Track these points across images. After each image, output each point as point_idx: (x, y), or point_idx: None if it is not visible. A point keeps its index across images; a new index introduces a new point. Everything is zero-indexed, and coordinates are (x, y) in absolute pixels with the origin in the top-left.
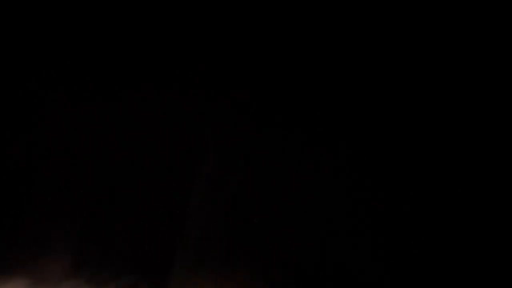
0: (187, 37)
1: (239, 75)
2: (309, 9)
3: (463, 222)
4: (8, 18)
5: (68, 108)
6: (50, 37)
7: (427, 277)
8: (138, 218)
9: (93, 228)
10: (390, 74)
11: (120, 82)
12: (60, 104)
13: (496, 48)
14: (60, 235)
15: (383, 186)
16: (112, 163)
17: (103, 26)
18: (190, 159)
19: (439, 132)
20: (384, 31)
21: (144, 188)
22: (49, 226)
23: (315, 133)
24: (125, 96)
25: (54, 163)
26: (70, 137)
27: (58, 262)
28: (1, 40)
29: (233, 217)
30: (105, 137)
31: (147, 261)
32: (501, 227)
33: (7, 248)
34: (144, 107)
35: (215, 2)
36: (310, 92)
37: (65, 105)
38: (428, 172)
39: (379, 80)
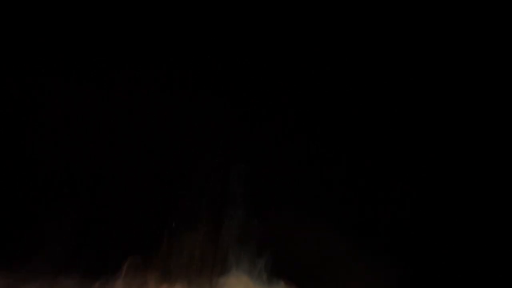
0: (188, 38)
1: (240, 75)
2: (309, 11)
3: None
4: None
5: (68, 107)
6: (52, 38)
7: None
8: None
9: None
10: (389, 76)
11: (121, 82)
12: (61, 104)
13: (496, 48)
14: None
15: (382, 186)
16: (113, 162)
17: (107, 28)
18: (191, 158)
19: (438, 133)
20: (383, 34)
21: (144, 187)
22: (47, 224)
23: (315, 133)
24: (127, 97)
25: (56, 163)
26: (70, 137)
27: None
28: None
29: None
30: (106, 137)
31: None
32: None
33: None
34: (144, 108)
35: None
36: (310, 93)
37: (64, 104)
38: (426, 173)
39: (378, 82)
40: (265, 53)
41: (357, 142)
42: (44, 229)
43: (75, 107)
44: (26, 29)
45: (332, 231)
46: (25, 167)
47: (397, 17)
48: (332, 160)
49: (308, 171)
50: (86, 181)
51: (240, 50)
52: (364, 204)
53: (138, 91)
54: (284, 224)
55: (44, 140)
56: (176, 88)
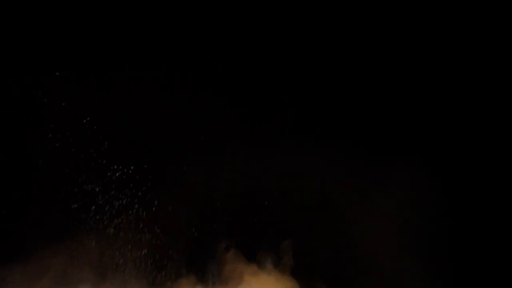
0: (188, 38)
1: (240, 75)
2: (309, 11)
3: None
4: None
5: (68, 107)
6: (52, 37)
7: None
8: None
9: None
10: (389, 76)
11: (121, 82)
12: (61, 104)
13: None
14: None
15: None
16: (112, 162)
17: (107, 27)
18: (191, 158)
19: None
20: (383, 36)
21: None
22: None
23: (315, 133)
24: (127, 97)
25: (55, 163)
26: (70, 137)
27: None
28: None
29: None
30: (106, 137)
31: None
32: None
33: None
34: (144, 108)
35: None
36: (310, 93)
37: (65, 104)
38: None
39: (378, 82)
40: (265, 53)
41: (358, 142)
42: (41, 229)
43: (75, 107)
44: (26, 29)
45: (331, 231)
46: (25, 167)
47: (397, 17)
48: (332, 160)
49: (307, 170)
50: (86, 180)
51: (240, 50)
52: (366, 204)
53: (138, 91)
54: (283, 223)
55: (44, 140)
56: (176, 88)
